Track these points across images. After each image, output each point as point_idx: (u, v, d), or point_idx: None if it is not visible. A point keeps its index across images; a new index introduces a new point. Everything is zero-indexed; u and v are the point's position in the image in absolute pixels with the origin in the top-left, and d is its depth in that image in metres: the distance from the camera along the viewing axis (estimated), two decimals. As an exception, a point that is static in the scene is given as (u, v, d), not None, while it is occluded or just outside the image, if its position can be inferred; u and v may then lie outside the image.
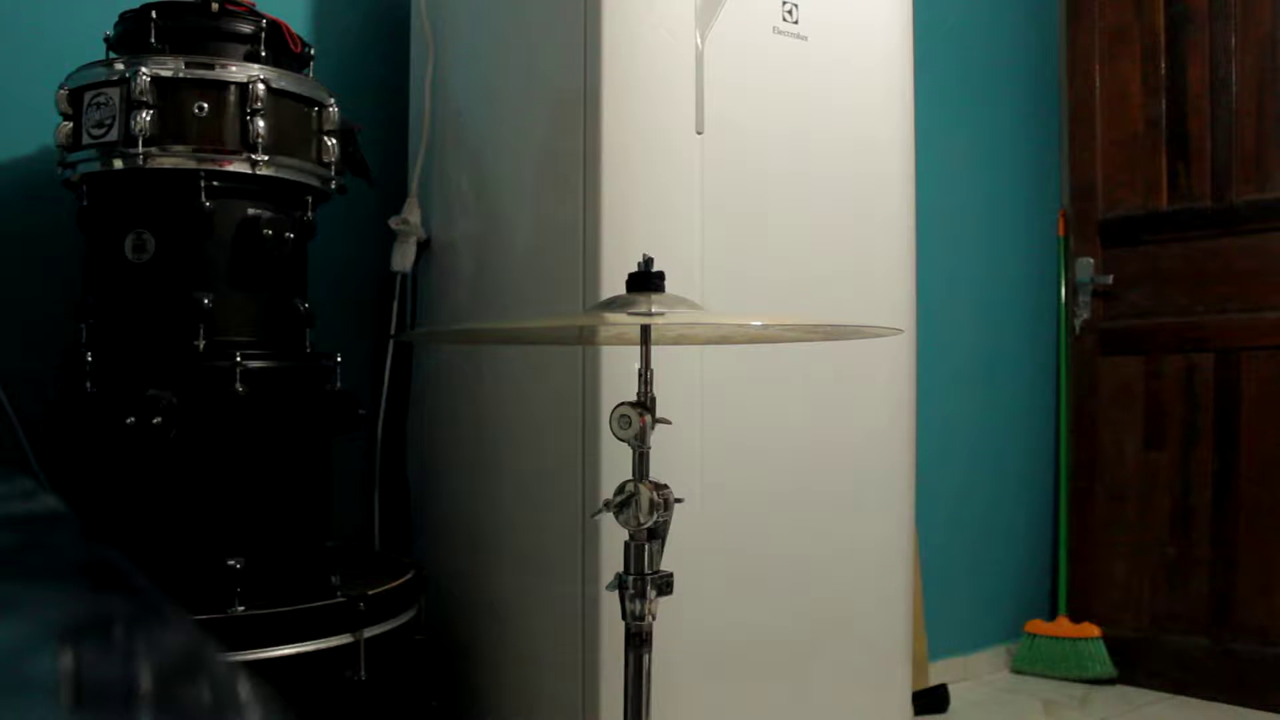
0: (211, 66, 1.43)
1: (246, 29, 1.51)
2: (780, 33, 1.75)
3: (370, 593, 1.45)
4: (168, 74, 1.41)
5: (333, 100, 1.57)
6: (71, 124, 1.45)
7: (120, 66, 1.41)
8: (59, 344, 1.55)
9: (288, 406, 1.47)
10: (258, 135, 1.43)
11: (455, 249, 1.89)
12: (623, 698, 1.16)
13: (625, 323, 1.13)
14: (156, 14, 1.47)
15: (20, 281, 1.71)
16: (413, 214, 1.90)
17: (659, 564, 1.14)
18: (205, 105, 1.42)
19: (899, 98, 1.94)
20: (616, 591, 1.14)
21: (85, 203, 1.46)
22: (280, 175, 1.48)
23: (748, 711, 1.70)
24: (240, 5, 1.52)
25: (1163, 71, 2.92)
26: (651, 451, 1.14)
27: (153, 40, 1.45)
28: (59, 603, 0.51)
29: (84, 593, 0.54)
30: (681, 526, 1.17)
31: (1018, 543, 3.11)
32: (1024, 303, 3.10)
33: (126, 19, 1.52)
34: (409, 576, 1.59)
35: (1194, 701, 2.74)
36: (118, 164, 1.41)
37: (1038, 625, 2.99)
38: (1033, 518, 3.14)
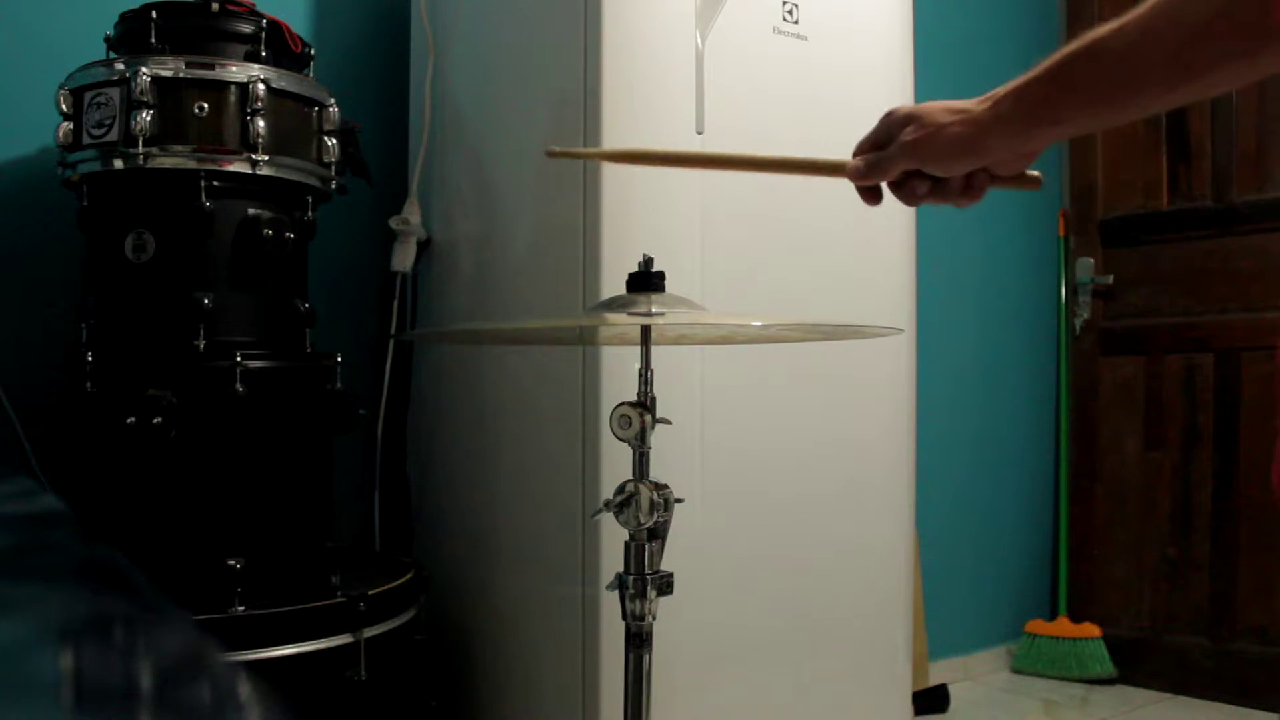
0: (212, 66, 1.43)
1: (246, 29, 1.51)
2: (780, 33, 1.75)
3: (370, 593, 1.45)
4: (168, 74, 1.41)
5: (333, 100, 1.57)
6: (71, 124, 1.45)
7: (120, 66, 1.41)
8: (59, 344, 1.55)
9: (288, 406, 1.47)
10: (258, 135, 1.43)
11: (455, 249, 1.90)
12: (623, 698, 1.16)
13: (625, 323, 1.13)
14: (157, 14, 1.47)
15: (20, 281, 1.71)
16: (413, 214, 1.90)
17: (659, 564, 1.14)
18: (205, 105, 1.42)
19: (900, 98, 1.93)
20: (616, 591, 1.14)
21: (85, 203, 1.46)
22: (280, 175, 1.48)
23: (748, 712, 1.70)
24: (240, 5, 1.53)
25: (1163, 71, 2.92)
26: (651, 451, 1.13)
27: (153, 40, 1.45)
28: (59, 603, 0.51)
29: (84, 593, 0.54)
30: (681, 526, 1.17)
31: (1018, 543, 3.11)
32: (1024, 303, 3.10)
33: (126, 19, 1.52)
34: (409, 576, 1.59)
35: (1194, 701, 2.74)
36: (118, 164, 1.41)
37: (1038, 625, 2.99)
38: (1033, 518, 3.14)
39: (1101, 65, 0.84)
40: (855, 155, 1.00)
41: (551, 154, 1.04)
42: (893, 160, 0.95)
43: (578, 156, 1.04)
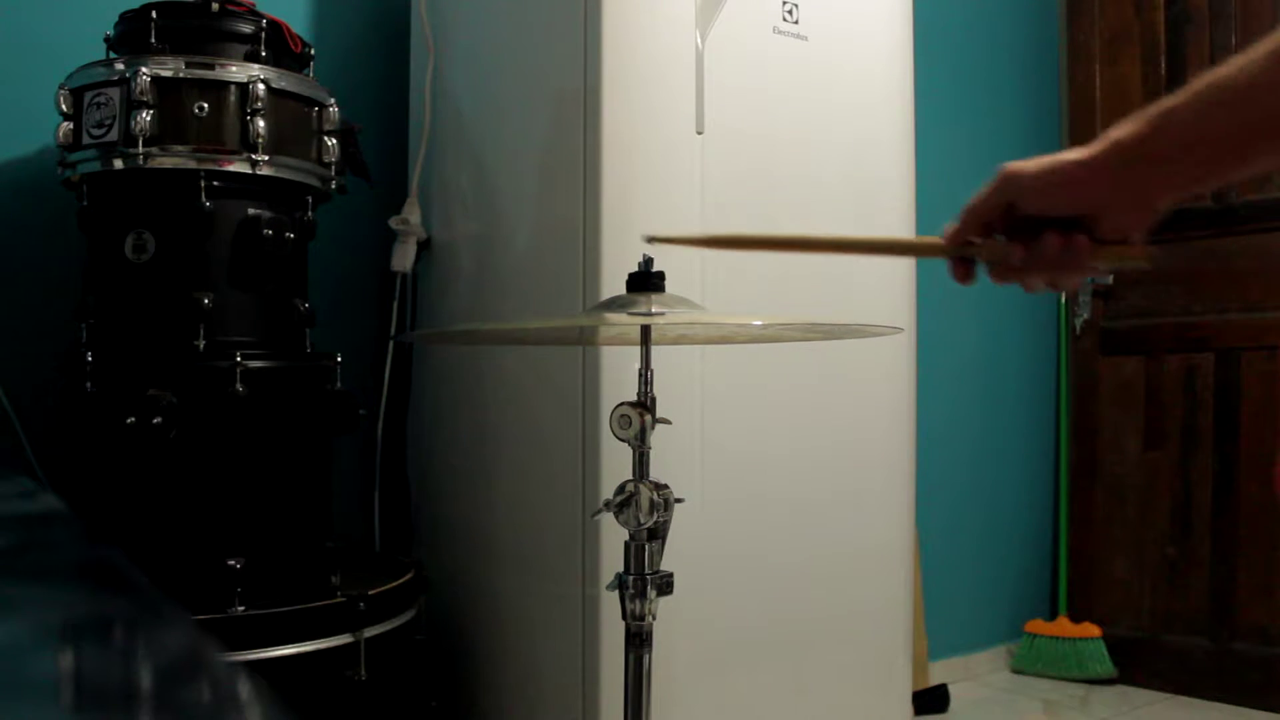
0: (211, 66, 1.43)
1: (246, 29, 1.51)
2: (780, 33, 1.75)
3: (370, 593, 1.45)
4: (168, 74, 1.41)
5: (333, 100, 1.57)
6: (72, 124, 1.45)
7: (120, 66, 1.41)
8: (59, 344, 1.55)
9: (288, 406, 1.47)
10: (258, 135, 1.43)
11: (455, 249, 1.89)
12: (623, 698, 1.16)
13: (625, 323, 1.13)
14: (156, 14, 1.47)
15: (20, 281, 1.71)
16: (413, 214, 1.90)
17: (659, 564, 1.14)
18: (205, 105, 1.42)
19: (899, 97, 1.94)
20: (616, 591, 1.14)
21: (85, 203, 1.46)
22: (280, 175, 1.48)
23: (748, 712, 1.70)
24: (240, 5, 1.52)
25: (1163, 71, 2.92)
26: (651, 451, 1.13)
27: (153, 40, 1.45)
28: (59, 603, 0.51)
29: (84, 593, 0.54)
30: (681, 526, 1.17)
31: (1018, 543, 3.11)
32: (1024, 302, 3.10)
33: (127, 19, 1.52)
34: (409, 576, 1.59)
35: (1194, 701, 2.74)
36: (118, 164, 1.41)
37: (1038, 625, 2.99)
38: (1033, 518, 3.13)
39: (1221, 100, 0.77)
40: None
41: (651, 240, 1.03)
42: (985, 198, 0.85)
43: (676, 243, 1.03)
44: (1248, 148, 0.78)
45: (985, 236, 0.87)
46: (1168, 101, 0.79)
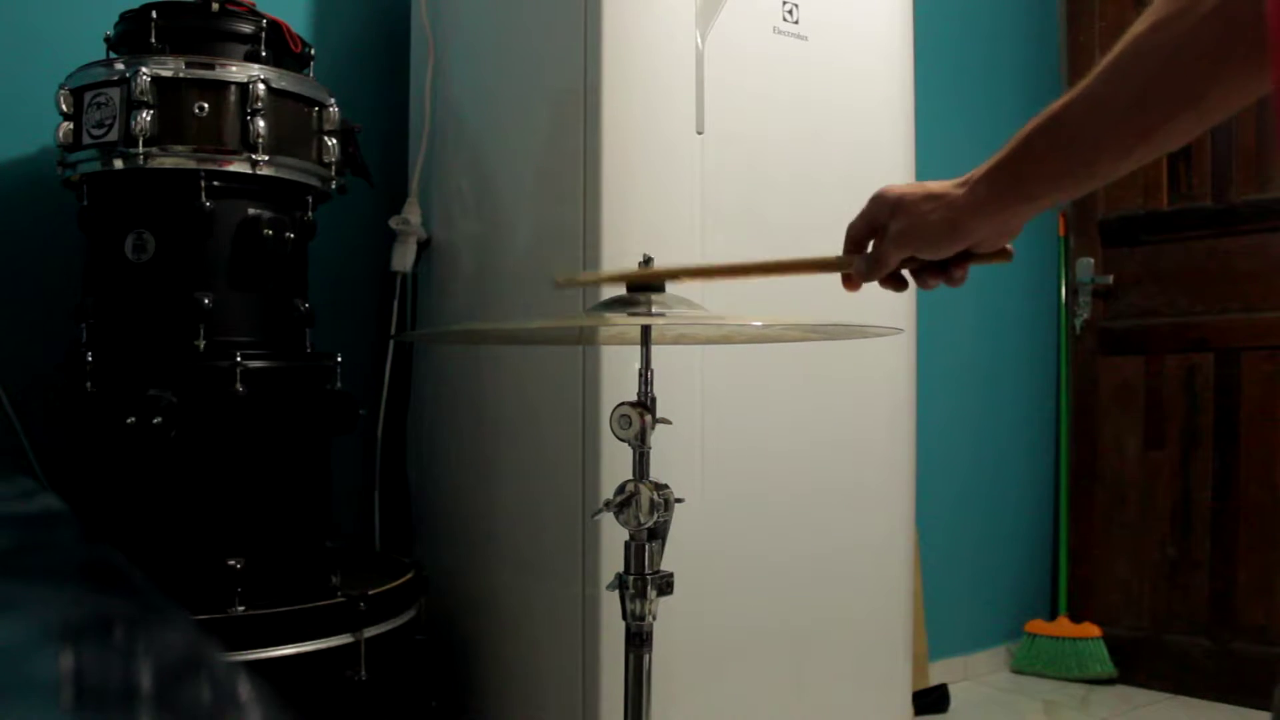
0: (212, 66, 1.43)
1: (247, 29, 1.51)
2: (780, 33, 1.75)
3: (370, 593, 1.45)
4: (168, 74, 1.41)
5: (333, 100, 1.57)
6: (72, 124, 1.45)
7: (120, 66, 1.41)
8: (59, 344, 1.55)
9: (288, 406, 1.47)
10: (258, 135, 1.43)
11: (455, 249, 1.90)
12: (623, 698, 1.16)
13: (625, 323, 1.13)
14: (157, 14, 1.47)
15: (20, 281, 1.71)
16: (413, 214, 1.90)
17: (659, 564, 1.14)
18: (205, 105, 1.42)
19: (899, 97, 1.94)
20: (616, 591, 1.14)
21: (85, 203, 1.46)
22: (280, 175, 1.48)
23: (748, 712, 1.70)
24: (240, 5, 1.53)
25: (1163, 71, 2.92)
26: (651, 451, 1.13)
27: (153, 40, 1.45)
28: (59, 603, 0.51)
29: (84, 593, 0.54)
30: (681, 526, 1.17)
31: (1018, 542, 3.11)
32: (1024, 303, 3.10)
33: (127, 19, 1.52)
34: (409, 576, 1.59)
35: (1194, 701, 2.74)
36: (118, 164, 1.41)
37: (1038, 625, 2.99)
38: (1033, 518, 3.14)
39: (1059, 138, 0.86)
40: (848, 232, 1.05)
41: (560, 285, 1.11)
42: (887, 255, 1.00)
43: (584, 284, 1.12)
44: (1089, 171, 0.87)
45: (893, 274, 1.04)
46: (1016, 146, 0.89)
